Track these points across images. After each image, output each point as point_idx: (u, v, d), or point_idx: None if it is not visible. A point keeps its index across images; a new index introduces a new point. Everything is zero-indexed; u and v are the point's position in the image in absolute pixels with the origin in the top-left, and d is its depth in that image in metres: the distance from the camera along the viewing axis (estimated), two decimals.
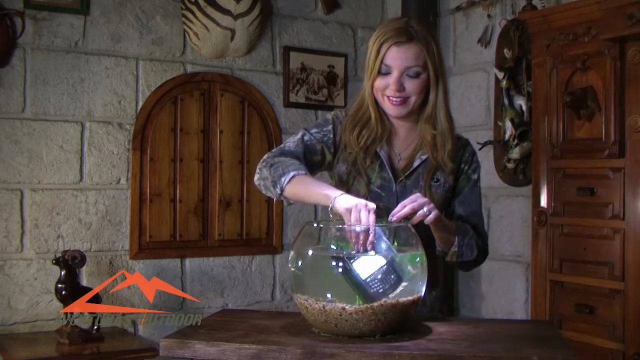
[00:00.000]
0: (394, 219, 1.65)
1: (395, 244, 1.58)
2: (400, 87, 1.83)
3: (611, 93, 2.51)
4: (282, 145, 1.92)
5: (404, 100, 1.85)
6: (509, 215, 3.36)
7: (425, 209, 1.68)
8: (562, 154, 2.69)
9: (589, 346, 2.53)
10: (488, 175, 3.34)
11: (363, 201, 1.62)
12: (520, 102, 3.20)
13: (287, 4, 3.73)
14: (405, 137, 1.94)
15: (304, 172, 1.79)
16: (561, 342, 1.55)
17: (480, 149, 3.29)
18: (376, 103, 1.90)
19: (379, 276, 1.50)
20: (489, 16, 3.43)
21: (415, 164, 1.89)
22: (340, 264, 1.51)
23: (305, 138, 1.92)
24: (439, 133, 1.88)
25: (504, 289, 3.39)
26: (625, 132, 2.48)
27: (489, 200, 3.42)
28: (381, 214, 1.87)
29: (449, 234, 1.83)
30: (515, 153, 3.19)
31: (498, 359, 1.38)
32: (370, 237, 1.56)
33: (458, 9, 3.64)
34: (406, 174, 1.89)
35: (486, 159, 3.35)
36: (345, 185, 1.90)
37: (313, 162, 1.92)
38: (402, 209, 1.67)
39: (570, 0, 2.75)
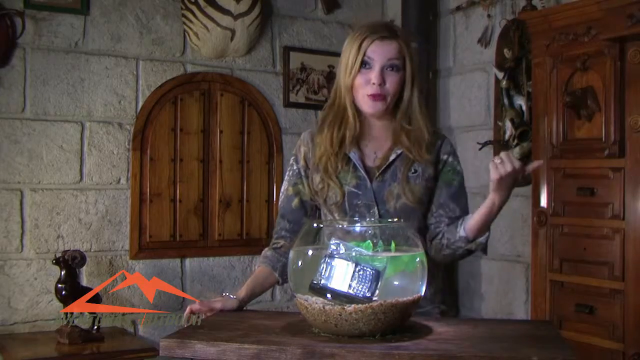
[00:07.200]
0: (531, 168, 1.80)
1: (394, 244, 1.58)
2: (382, 81, 1.85)
3: (611, 93, 2.51)
4: (279, 209, 2.03)
5: (383, 97, 1.87)
6: (509, 215, 3.36)
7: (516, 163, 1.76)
8: (562, 154, 2.69)
9: (589, 346, 2.53)
10: (488, 175, 3.33)
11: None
12: (520, 102, 3.20)
13: (287, 4, 3.73)
14: (379, 136, 1.95)
15: (257, 266, 1.99)
16: (561, 342, 1.55)
17: (480, 149, 3.29)
18: (352, 101, 1.91)
19: (356, 279, 1.48)
20: (489, 16, 3.42)
21: (392, 157, 1.90)
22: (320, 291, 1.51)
23: (290, 195, 1.99)
24: (414, 129, 1.90)
25: (504, 289, 3.39)
26: (625, 132, 2.47)
27: None
28: (362, 212, 1.87)
29: (489, 220, 1.83)
30: (515, 153, 3.19)
31: (498, 359, 1.38)
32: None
33: (458, 9, 3.64)
34: (382, 169, 1.89)
35: (486, 159, 3.34)
36: (320, 197, 1.92)
37: (312, 212, 1.99)
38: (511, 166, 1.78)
39: (570, 0, 2.75)
